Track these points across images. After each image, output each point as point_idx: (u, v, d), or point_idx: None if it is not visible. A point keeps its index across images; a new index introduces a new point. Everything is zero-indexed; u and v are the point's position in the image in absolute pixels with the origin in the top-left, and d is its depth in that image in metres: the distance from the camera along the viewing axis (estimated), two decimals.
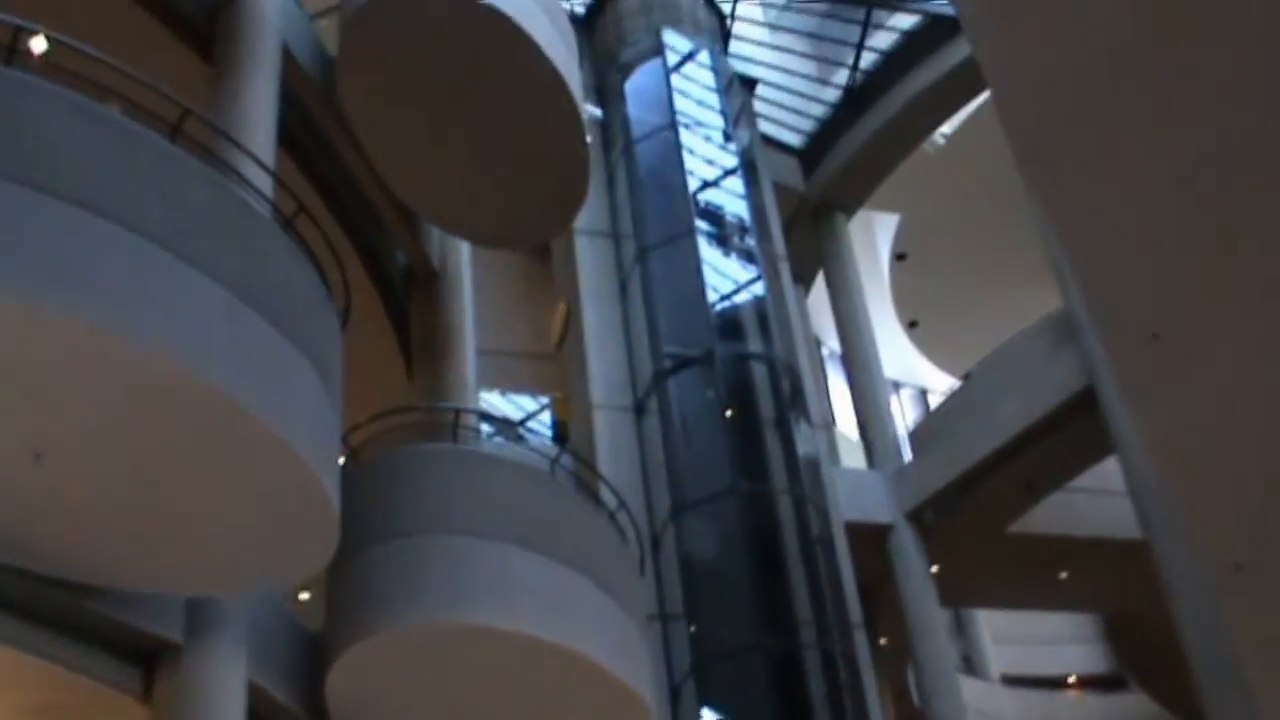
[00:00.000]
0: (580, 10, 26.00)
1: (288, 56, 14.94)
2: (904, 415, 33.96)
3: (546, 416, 26.00)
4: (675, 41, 25.18)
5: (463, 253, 18.36)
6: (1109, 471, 21.76)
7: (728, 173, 24.03)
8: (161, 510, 9.03)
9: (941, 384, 33.82)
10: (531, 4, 15.59)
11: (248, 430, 8.39)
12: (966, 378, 26.84)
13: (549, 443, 23.02)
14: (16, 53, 9.89)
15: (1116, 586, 26.15)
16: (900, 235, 31.31)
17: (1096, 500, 24.17)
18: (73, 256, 7.92)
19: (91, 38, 11.06)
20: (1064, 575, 26.61)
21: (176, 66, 14.25)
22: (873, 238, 31.51)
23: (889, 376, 28.50)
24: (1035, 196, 6.90)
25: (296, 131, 15.17)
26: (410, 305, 17.78)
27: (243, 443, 8.51)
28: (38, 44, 10.80)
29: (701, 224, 22.94)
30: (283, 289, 9.36)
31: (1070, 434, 22.20)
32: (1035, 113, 5.30)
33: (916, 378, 35.25)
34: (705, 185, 23.60)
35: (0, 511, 8.57)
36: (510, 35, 15.16)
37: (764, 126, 27.24)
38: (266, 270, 9.30)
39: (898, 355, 32.54)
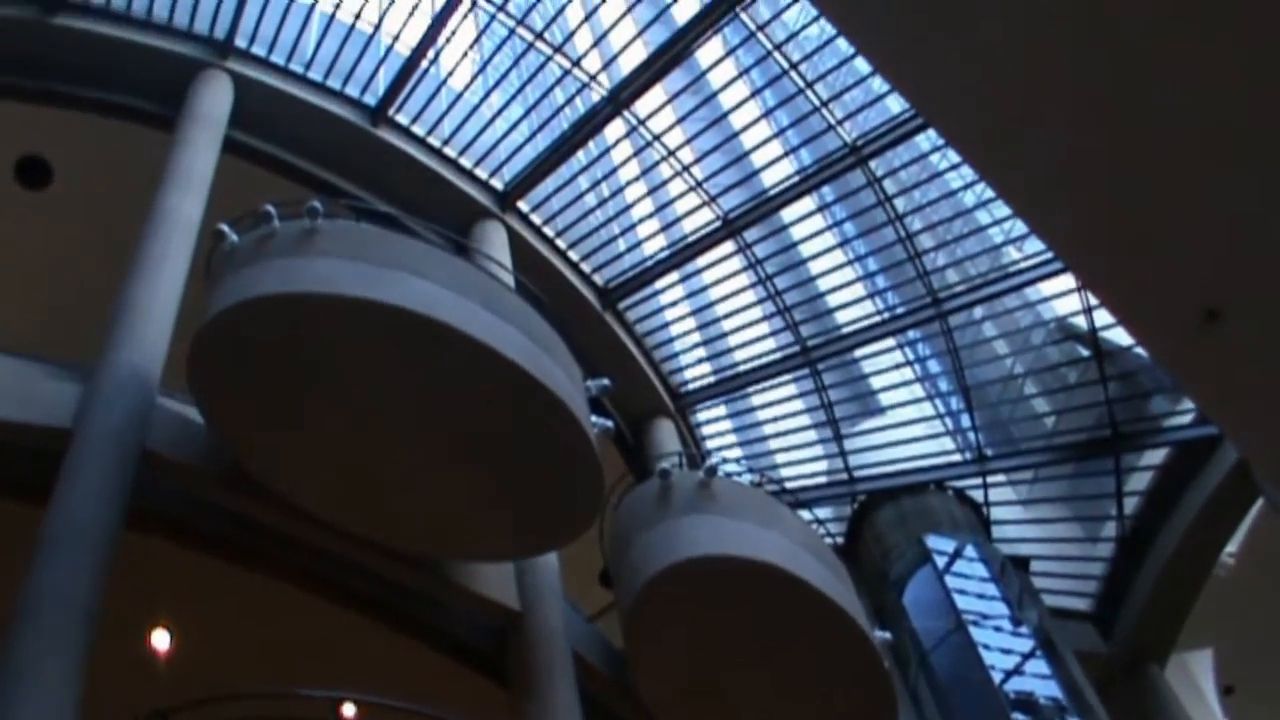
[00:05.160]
0: (839, 539, 26.36)
1: (579, 661, 15.36)
2: None
3: None
4: (939, 544, 25.31)
5: None
6: None
7: (1027, 657, 23.46)
8: None
9: None
10: (799, 550, 15.89)
11: None
12: None
13: None
14: None
15: None
16: (1220, 668, 29.82)
17: None
18: None
19: (380, 681, 11.67)
20: None
21: (471, 689, 14.80)
22: (1193, 678, 30.00)
23: None
24: None
25: None
26: None
27: None
28: (349, 709, 11.38)
29: (1017, 715, 22.23)
30: None
31: None
32: None
33: None
34: (1009, 675, 23.02)
35: None
36: (789, 586, 15.37)
37: (1049, 600, 26.72)
38: None
39: None
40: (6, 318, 20.87)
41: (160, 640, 14.71)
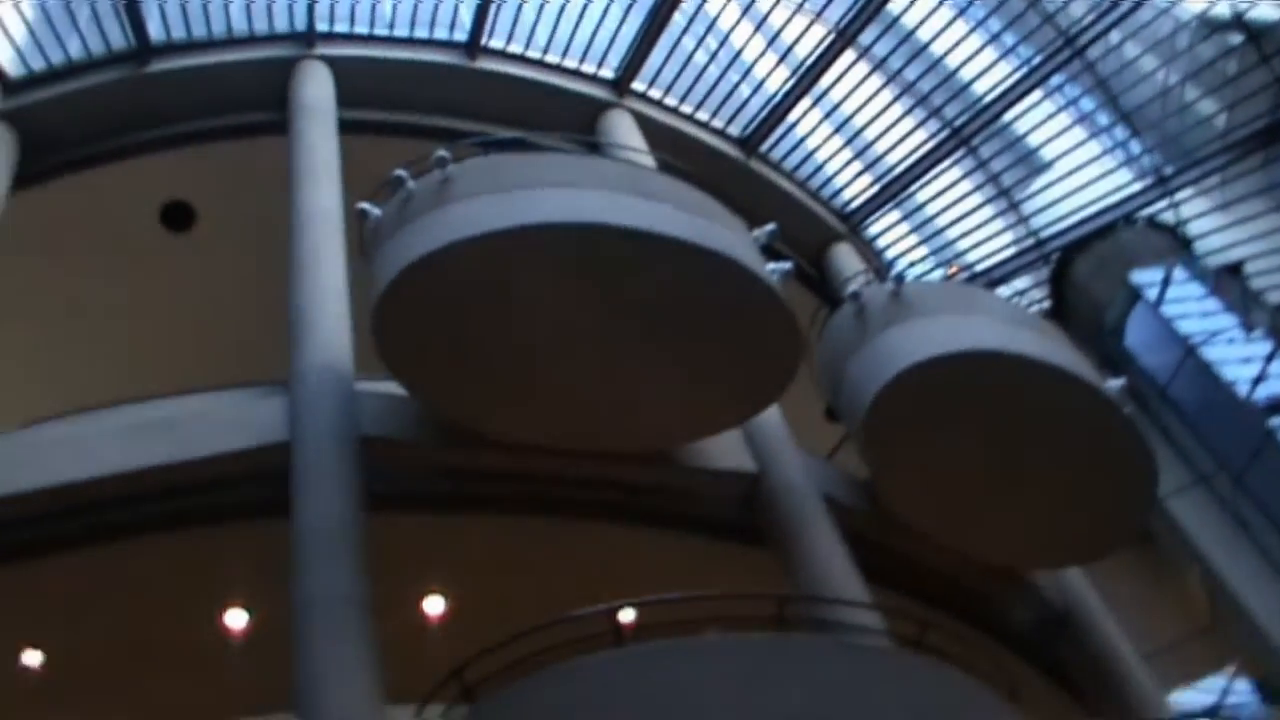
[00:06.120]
0: (1045, 305, 26.04)
1: (830, 502, 15.52)
2: None
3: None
4: (1145, 277, 24.80)
5: (1076, 573, 18.09)
6: None
7: (1269, 359, 22.93)
8: None
9: None
10: (1006, 327, 15.75)
11: None
12: None
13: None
14: (619, 632, 10.85)
15: None
16: None
17: None
18: None
19: (648, 581, 12.01)
20: None
21: (736, 562, 15.07)
22: None
23: None
24: None
25: (871, 562, 15.39)
26: (1054, 646, 17.50)
27: None
28: (626, 615, 11.74)
29: (1274, 420, 21.82)
30: None
31: None
32: None
33: None
34: (1256, 383, 22.56)
35: None
36: (1007, 364, 15.22)
37: (1275, 298, 25.98)
38: None
39: None
40: (195, 358, 21.60)
41: (435, 605, 15.31)
